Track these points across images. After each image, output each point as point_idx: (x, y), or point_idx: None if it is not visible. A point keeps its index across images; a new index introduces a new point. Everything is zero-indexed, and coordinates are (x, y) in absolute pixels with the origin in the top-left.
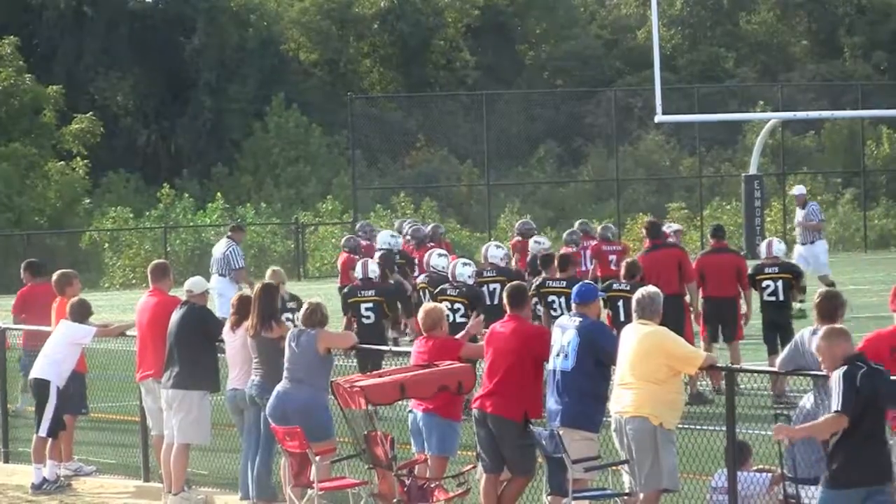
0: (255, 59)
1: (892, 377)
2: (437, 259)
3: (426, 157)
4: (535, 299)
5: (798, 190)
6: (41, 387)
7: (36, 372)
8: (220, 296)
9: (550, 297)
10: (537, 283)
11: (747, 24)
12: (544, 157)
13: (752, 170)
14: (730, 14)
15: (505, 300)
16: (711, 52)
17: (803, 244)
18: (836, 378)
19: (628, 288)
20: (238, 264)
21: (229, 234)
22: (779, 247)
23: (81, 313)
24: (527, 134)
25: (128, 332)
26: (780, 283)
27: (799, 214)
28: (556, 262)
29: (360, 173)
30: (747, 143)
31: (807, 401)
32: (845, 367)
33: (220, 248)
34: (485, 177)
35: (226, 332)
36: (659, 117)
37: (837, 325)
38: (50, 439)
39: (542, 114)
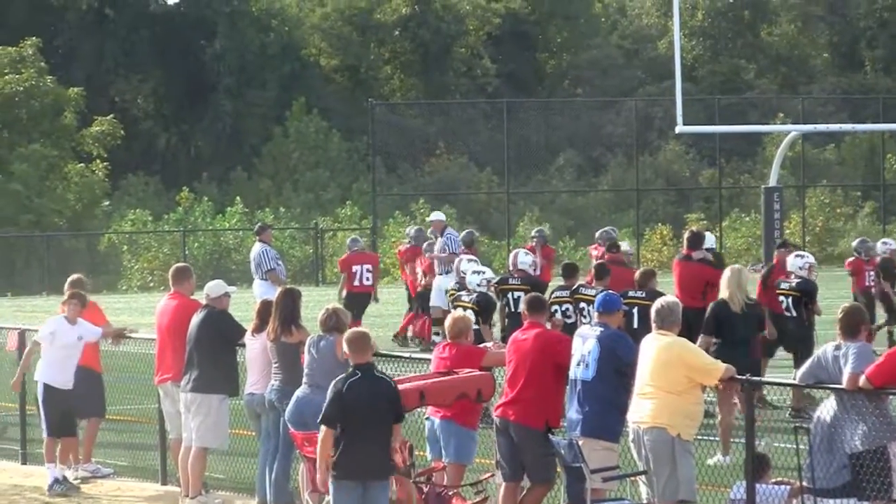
0: (276, 64)
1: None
2: (466, 265)
3: (446, 164)
4: (567, 305)
5: (436, 216)
6: (44, 389)
7: (38, 374)
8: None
9: (581, 304)
10: (571, 289)
11: (768, 36)
12: (564, 165)
13: (772, 182)
14: (751, 26)
15: (524, 308)
16: (732, 64)
17: (439, 275)
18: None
19: (642, 295)
20: (268, 266)
21: (258, 237)
22: (793, 262)
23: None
24: (547, 142)
25: (137, 335)
26: (790, 300)
27: (438, 243)
28: (592, 271)
29: (380, 179)
30: (767, 154)
31: (825, 412)
32: (338, 378)
33: (254, 252)
34: (504, 184)
35: (247, 337)
36: (679, 128)
37: (365, 331)
38: (61, 439)
39: (563, 122)
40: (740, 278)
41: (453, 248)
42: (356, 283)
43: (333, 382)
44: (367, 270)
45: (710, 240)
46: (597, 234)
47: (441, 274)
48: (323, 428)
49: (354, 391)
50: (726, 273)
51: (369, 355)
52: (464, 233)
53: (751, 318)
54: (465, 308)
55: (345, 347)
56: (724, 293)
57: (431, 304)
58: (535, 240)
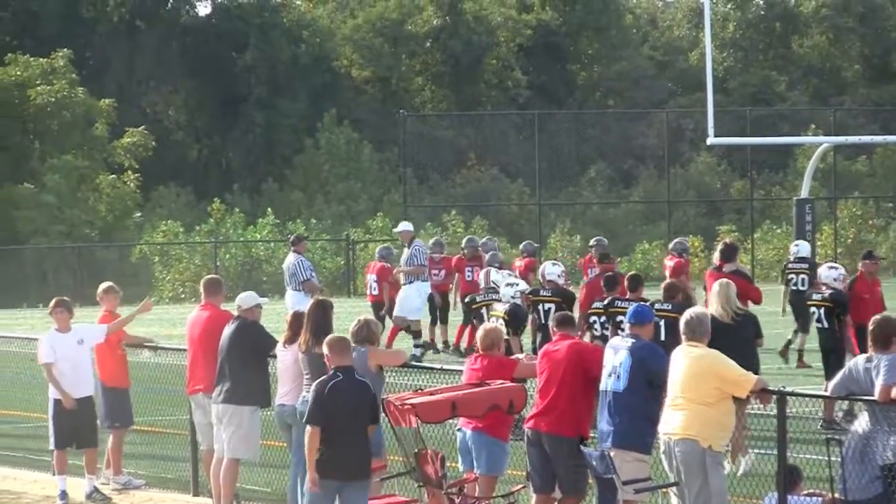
0: (307, 75)
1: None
2: (495, 275)
3: (477, 176)
4: (603, 318)
5: (403, 227)
6: (55, 403)
7: (50, 391)
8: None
9: (619, 318)
10: (606, 302)
11: (800, 48)
12: (595, 177)
13: (804, 193)
14: (782, 37)
15: (553, 325)
16: (764, 76)
17: (404, 285)
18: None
19: (669, 308)
20: (304, 276)
21: (293, 248)
22: (826, 273)
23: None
24: (578, 154)
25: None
26: (822, 311)
27: (404, 254)
28: (625, 283)
29: (411, 191)
30: (798, 166)
31: (859, 425)
32: (321, 379)
33: (288, 263)
34: (535, 196)
35: (279, 348)
36: (711, 139)
37: (344, 336)
38: (85, 451)
39: (594, 134)
40: (728, 292)
41: (421, 261)
42: (368, 292)
43: (316, 383)
44: (374, 280)
45: (805, 249)
46: (671, 245)
47: (405, 284)
48: (309, 427)
49: (336, 393)
50: (714, 288)
51: (349, 359)
52: (524, 243)
53: (744, 326)
54: (496, 318)
55: (325, 350)
56: (712, 308)
57: (396, 314)
58: (593, 249)
